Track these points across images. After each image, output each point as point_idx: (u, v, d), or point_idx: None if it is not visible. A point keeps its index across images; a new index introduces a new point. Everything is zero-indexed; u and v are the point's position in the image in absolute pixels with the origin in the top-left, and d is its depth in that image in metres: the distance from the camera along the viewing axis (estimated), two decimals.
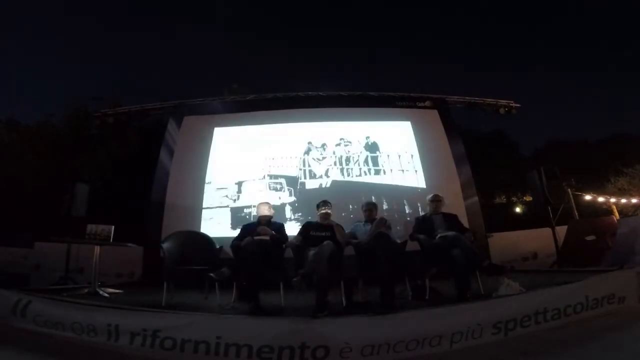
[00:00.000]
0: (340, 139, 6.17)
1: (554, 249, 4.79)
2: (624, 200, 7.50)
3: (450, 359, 1.95)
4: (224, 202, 5.68)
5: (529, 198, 14.57)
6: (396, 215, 5.42)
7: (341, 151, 6.07)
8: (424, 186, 5.65)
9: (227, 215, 5.55)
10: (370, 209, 3.36)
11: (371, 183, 5.79)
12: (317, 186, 5.76)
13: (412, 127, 6.25)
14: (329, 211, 3.19)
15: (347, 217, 5.24)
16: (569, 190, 5.77)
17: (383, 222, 3.07)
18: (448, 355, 1.97)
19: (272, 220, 3.36)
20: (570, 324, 2.21)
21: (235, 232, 3.27)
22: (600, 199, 6.87)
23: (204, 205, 5.62)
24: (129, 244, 3.96)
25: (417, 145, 6.08)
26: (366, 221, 3.33)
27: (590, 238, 4.51)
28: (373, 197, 5.37)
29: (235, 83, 13.50)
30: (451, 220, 3.32)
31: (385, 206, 5.52)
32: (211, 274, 2.89)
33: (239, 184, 5.81)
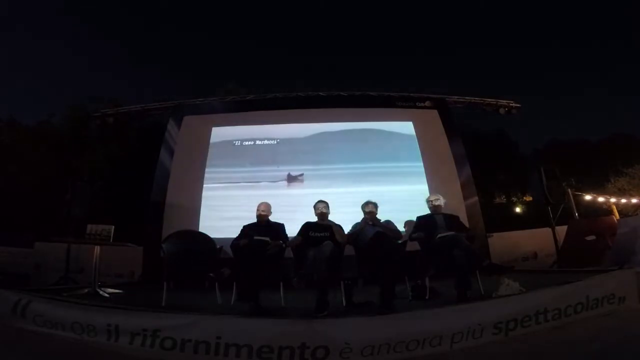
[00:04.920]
0: (340, 139, 6.17)
1: (554, 249, 4.79)
2: (624, 200, 7.49)
3: (451, 359, 1.95)
4: (224, 201, 5.68)
5: (529, 198, 14.58)
6: (399, 213, 5.41)
7: (341, 151, 6.07)
8: (425, 186, 5.65)
9: (227, 214, 5.55)
10: (371, 208, 3.35)
11: (371, 183, 5.78)
12: (317, 185, 5.75)
13: (412, 128, 6.25)
14: (324, 211, 3.18)
15: (347, 217, 5.23)
16: (569, 190, 5.76)
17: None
18: (448, 355, 1.97)
19: (272, 220, 3.35)
20: (570, 324, 2.21)
21: (236, 232, 3.27)
22: (600, 199, 6.87)
23: (203, 205, 5.62)
24: (129, 244, 3.96)
25: (417, 145, 6.08)
26: (367, 221, 3.32)
27: (590, 238, 4.50)
28: (373, 197, 5.36)
29: (230, 82, 13.47)
30: (452, 220, 3.31)
31: (385, 206, 5.50)
32: (211, 274, 2.89)
33: (239, 183, 5.81)
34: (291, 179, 5.88)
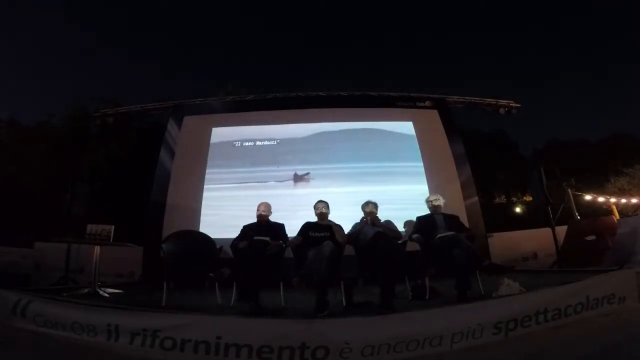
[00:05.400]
0: (340, 139, 6.17)
1: (554, 249, 4.79)
2: (624, 200, 7.50)
3: (451, 359, 1.95)
4: (224, 202, 5.68)
5: (529, 198, 14.58)
6: (399, 213, 5.41)
7: (341, 151, 6.07)
8: (425, 186, 5.65)
9: (226, 215, 5.55)
10: (371, 208, 3.35)
11: (371, 182, 5.78)
12: (316, 186, 5.76)
13: (413, 128, 6.26)
14: (324, 211, 3.18)
15: (347, 217, 5.23)
16: (569, 190, 5.77)
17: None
18: (448, 355, 1.97)
19: (272, 220, 3.35)
20: (570, 324, 2.21)
21: (236, 232, 3.26)
22: (600, 199, 6.87)
23: (203, 205, 5.62)
24: (129, 244, 3.96)
25: (418, 145, 6.09)
26: (367, 221, 3.31)
27: (590, 238, 4.50)
28: (373, 197, 5.36)
29: (230, 83, 13.46)
30: (452, 220, 3.31)
31: (385, 206, 5.50)
32: (211, 274, 2.89)
33: (239, 183, 5.81)
34: (297, 178, 5.87)
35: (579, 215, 5.52)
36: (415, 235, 3.12)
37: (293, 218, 3.47)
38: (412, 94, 6.69)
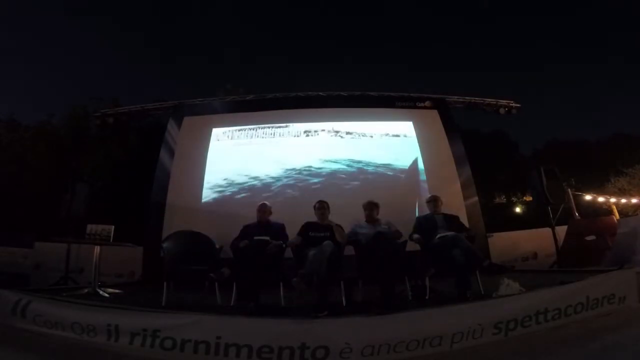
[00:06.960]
0: (339, 140, 6.17)
1: (554, 249, 4.79)
2: (624, 200, 7.51)
3: (451, 359, 1.95)
4: (224, 202, 5.67)
5: (529, 198, 14.58)
6: (399, 215, 5.40)
7: (340, 151, 6.06)
8: (425, 186, 5.65)
9: (227, 215, 5.55)
10: (372, 208, 3.35)
11: (371, 183, 5.78)
12: (316, 186, 5.75)
13: (413, 128, 6.25)
14: (324, 211, 3.18)
15: (347, 217, 5.23)
16: (569, 190, 5.77)
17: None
18: (448, 355, 1.97)
19: (272, 220, 3.36)
20: (570, 324, 2.21)
21: (236, 232, 3.27)
22: (600, 199, 6.88)
23: (203, 205, 5.62)
24: (129, 244, 3.96)
25: (417, 145, 6.08)
26: (367, 221, 3.32)
27: (590, 238, 4.50)
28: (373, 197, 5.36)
29: (229, 83, 13.44)
30: (452, 220, 3.31)
31: (385, 206, 5.50)
32: (211, 274, 2.90)
33: (239, 184, 5.81)
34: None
35: (579, 215, 5.52)
36: (415, 235, 3.12)
37: (292, 219, 3.46)
38: (412, 94, 6.67)
